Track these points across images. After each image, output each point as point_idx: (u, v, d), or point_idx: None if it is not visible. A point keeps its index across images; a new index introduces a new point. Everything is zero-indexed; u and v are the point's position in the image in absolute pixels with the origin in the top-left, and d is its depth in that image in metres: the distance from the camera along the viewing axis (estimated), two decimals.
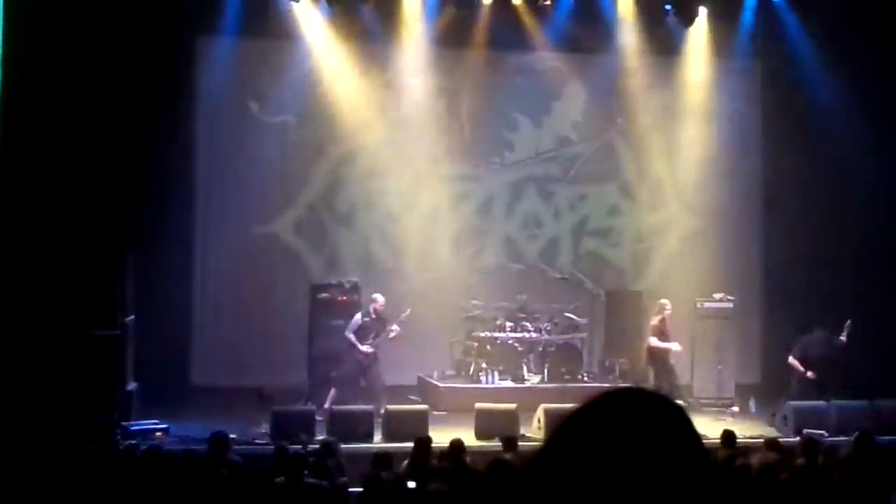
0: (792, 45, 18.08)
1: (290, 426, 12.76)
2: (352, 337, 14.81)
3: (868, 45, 17.06)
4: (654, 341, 15.71)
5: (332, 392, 14.59)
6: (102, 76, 15.44)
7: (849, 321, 15.09)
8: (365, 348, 14.77)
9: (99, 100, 15.43)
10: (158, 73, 16.16)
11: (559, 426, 1.64)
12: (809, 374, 15.06)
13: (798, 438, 11.93)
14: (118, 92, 15.62)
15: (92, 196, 15.12)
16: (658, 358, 15.77)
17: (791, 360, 15.31)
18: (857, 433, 11.04)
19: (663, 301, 16.10)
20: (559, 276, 17.92)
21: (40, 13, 14.94)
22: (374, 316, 15.04)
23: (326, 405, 14.12)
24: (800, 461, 10.01)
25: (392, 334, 14.94)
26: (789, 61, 18.08)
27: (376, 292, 15.38)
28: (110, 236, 14.77)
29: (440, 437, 11.34)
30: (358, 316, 14.91)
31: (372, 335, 14.90)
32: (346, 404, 14.08)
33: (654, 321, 15.89)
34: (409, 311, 15.24)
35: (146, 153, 16.16)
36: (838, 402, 14.38)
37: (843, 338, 15.09)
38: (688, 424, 1.62)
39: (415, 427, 12.40)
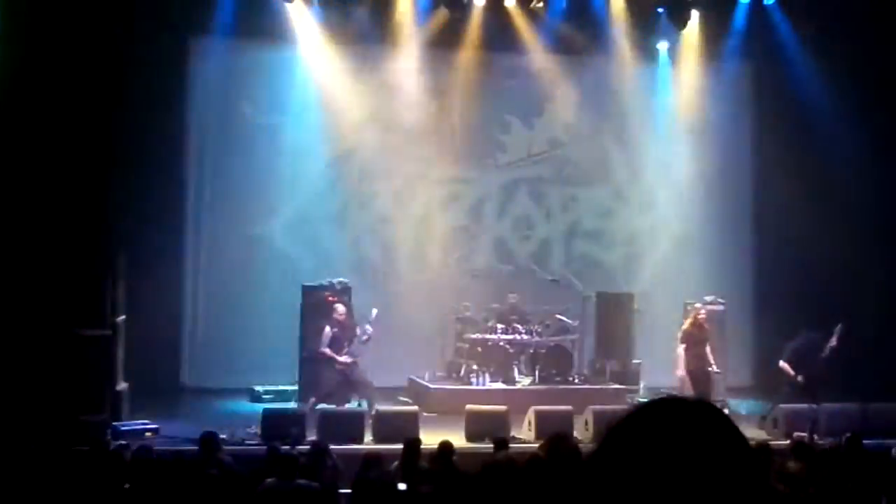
0: (784, 49, 18.14)
1: (281, 427, 12.76)
2: (328, 351, 14.72)
3: (860, 49, 17.10)
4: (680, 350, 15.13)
5: (313, 400, 14.54)
6: (94, 77, 15.42)
7: (840, 325, 15.11)
8: (343, 359, 14.71)
9: (91, 100, 15.40)
10: (151, 74, 16.15)
11: (607, 436, 1.65)
12: (799, 377, 15.08)
13: (788, 441, 11.94)
14: (110, 92, 15.59)
15: (83, 196, 15.10)
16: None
17: (782, 363, 15.32)
18: (847, 435, 11.09)
19: (697, 305, 15.71)
20: (550, 278, 17.94)
21: (32, 14, 14.92)
22: (339, 326, 14.94)
23: (307, 410, 14.06)
24: (791, 464, 10.04)
25: (365, 337, 14.87)
26: (781, 64, 18.13)
27: (336, 303, 15.27)
28: (101, 236, 14.75)
29: (430, 439, 11.35)
30: (327, 329, 14.82)
31: (346, 343, 14.86)
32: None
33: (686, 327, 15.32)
34: (376, 311, 15.17)
35: (138, 153, 16.14)
36: (828, 404, 14.40)
37: (833, 342, 15.10)
38: (734, 432, 1.63)
39: (405, 428, 12.40)
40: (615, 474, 1.58)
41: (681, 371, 14.88)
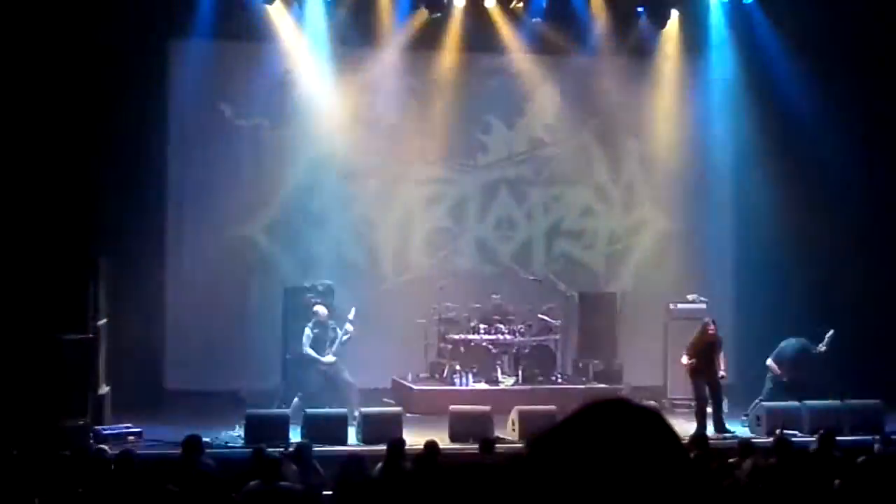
0: (763, 47, 18.22)
1: (264, 429, 12.74)
2: (310, 352, 14.74)
3: (839, 49, 17.21)
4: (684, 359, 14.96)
5: (296, 401, 14.53)
6: (74, 79, 15.40)
7: (832, 331, 15.14)
8: (326, 359, 14.72)
9: (70, 103, 15.39)
10: (130, 77, 16.12)
11: (538, 438, 1.64)
12: (786, 378, 15.14)
13: (771, 439, 11.98)
14: (90, 95, 15.58)
15: (63, 199, 15.06)
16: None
17: (769, 361, 15.38)
18: (821, 432, 11.20)
19: (706, 319, 15.19)
20: (532, 278, 17.94)
21: (9, 17, 14.88)
22: (320, 327, 14.95)
23: (290, 412, 14.03)
24: (772, 460, 10.09)
25: (346, 336, 14.88)
26: (760, 62, 18.21)
27: (317, 305, 15.26)
28: (82, 239, 14.72)
29: (414, 440, 11.35)
30: (307, 330, 14.85)
31: (327, 344, 14.86)
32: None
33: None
34: (354, 309, 15.18)
35: (118, 156, 16.12)
36: (811, 402, 14.47)
37: (822, 347, 15.14)
38: (668, 433, 1.62)
39: (389, 429, 12.41)
40: (542, 480, 1.58)
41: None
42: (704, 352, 14.70)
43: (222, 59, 17.27)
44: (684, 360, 14.78)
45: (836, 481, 9.05)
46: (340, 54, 17.67)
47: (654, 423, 1.62)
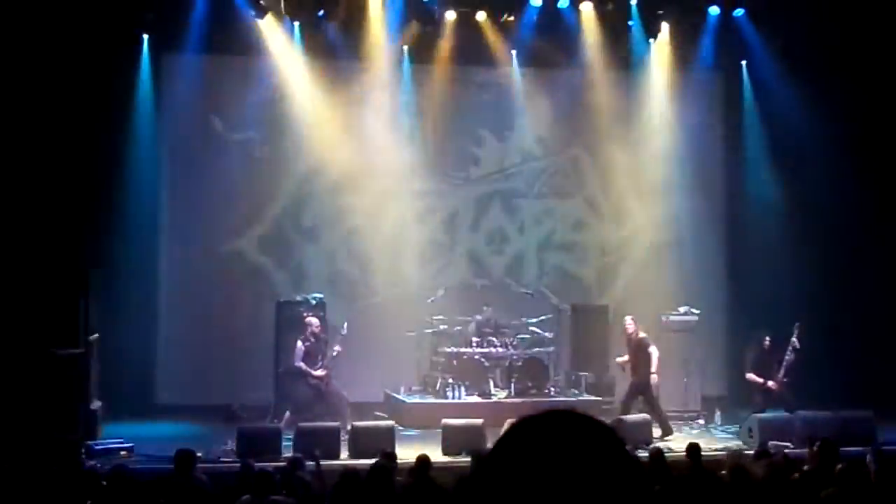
0: (753, 58, 18.37)
1: (256, 443, 12.74)
2: (302, 365, 14.78)
3: (827, 57, 17.27)
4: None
5: (287, 415, 14.56)
6: (64, 93, 15.43)
7: (798, 323, 15.21)
8: (318, 372, 14.77)
9: (60, 117, 15.41)
10: (121, 90, 16.18)
11: (491, 451, 1.68)
12: (770, 383, 15.17)
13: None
14: (80, 109, 15.61)
15: (54, 214, 15.08)
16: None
17: (748, 375, 15.41)
18: (818, 442, 11.12)
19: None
20: (524, 290, 17.98)
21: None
22: (313, 340, 15.01)
23: (282, 426, 14.06)
24: (760, 472, 10.10)
25: (335, 351, 14.93)
26: (751, 73, 18.41)
27: (309, 318, 15.32)
28: (74, 254, 14.73)
29: (406, 453, 11.35)
30: (299, 343, 14.89)
31: (319, 357, 14.90)
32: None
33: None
34: (346, 324, 15.25)
35: (110, 170, 16.16)
36: (804, 412, 14.50)
37: (794, 340, 15.19)
38: (614, 443, 1.65)
39: (381, 443, 12.41)
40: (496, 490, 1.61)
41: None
42: (631, 352, 15.29)
43: (214, 72, 17.35)
44: (618, 359, 15.54)
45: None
46: (332, 68, 17.72)
47: (592, 431, 1.66)
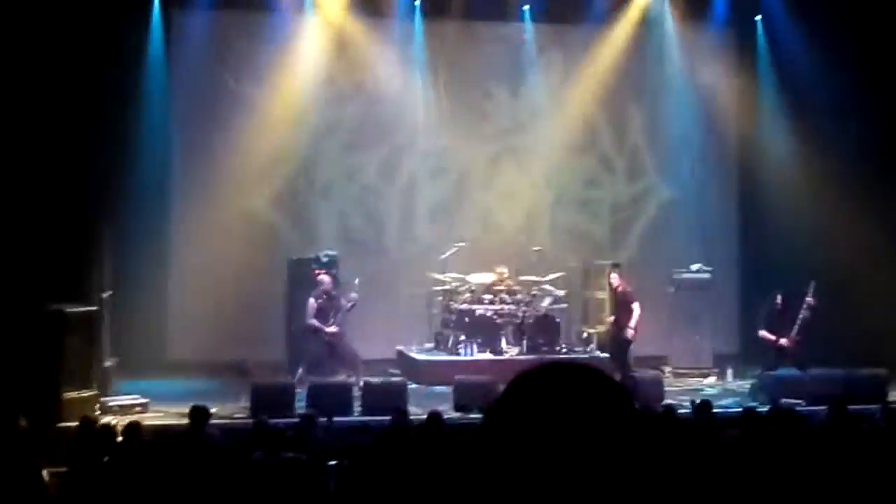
0: (769, 11, 18.24)
1: (270, 400, 12.84)
2: (314, 322, 14.89)
3: (846, 10, 17.09)
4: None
5: (300, 372, 14.67)
6: (74, 50, 15.40)
7: (813, 282, 15.21)
8: (331, 329, 14.86)
9: (72, 73, 15.39)
10: (132, 47, 16.16)
11: (491, 408, 1.67)
12: (782, 341, 15.19)
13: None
14: (92, 67, 15.58)
15: (67, 170, 15.10)
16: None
17: (760, 332, 15.43)
18: (830, 401, 11.17)
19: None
20: (536, 248, 17.97)
21: None
22: (325, 297, 15.09)
23: (295, 382, 14.17)
24: (773, 430, 10.13)
25: (350, 304, 15.02)
26: (766, 26, 18.30)
27: (322, 275, 15.38)
28: (85, 211, 14.77)
29: (419, 410, 11.44)
30: (311, 300, 14.98)
31: (332, 314, 14.98)
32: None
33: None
34: (358, 279, 15.33)
35: (122, 127, 16.16)
36: (815, 370, 14.53)
37: (809, 298, 15.20)
38: (621, 396, 1.65)
39: (393, 400, 12.50)
40: (500, 448, 1.60)
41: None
42: (617, 306, 15.51)
43: (225, 28, 17.35)
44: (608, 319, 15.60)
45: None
46: (344, 23, 17.66)
47: (599, 383, 1.65)
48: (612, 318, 15.73)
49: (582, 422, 1.58)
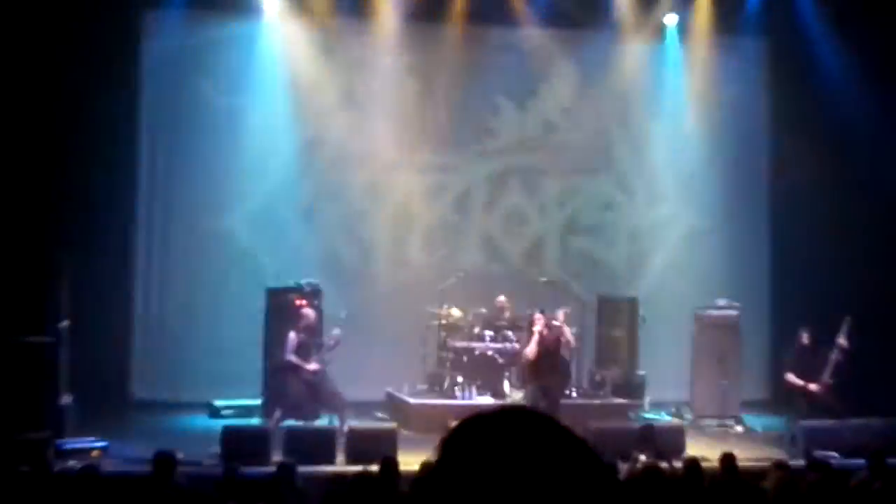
0: (802, 22, 18.41)
1: (243, 446, 12.98)
2: (294, 358, 14.91)
3: (883, 22, 17.24)
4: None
5: (278, 414, 14.77)
6: (37, 54, 15.55)
7: (847, 318, 15.35)
8: (312, 367, 14.96)
9: (33, 81, 15.54)
10: (99, 51, 16.29)
11: (436, 458, 1.72)
12: (812, 386, 15.31)
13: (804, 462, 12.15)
14: (54, 72, 15.73)
15: (23, 189, 15.23)
16: None
17: (787, 376, 15.55)
18: (869, 453, 11.28)
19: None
20: (545, 279, 18.08)
21: None
22: (307, 332, 15.14)
23: (271, 426, 14.33)
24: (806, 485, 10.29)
25: (332, 342, 15.13)
26: (799, 39, 18.40)
27: (305, 308, 15.50)
28: (43, 233, 14.87)
29: (411, 460, 11.56)
30: (292, 334, 15.01)
31: (314, 350, 15.08)
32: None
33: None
34: (345, 313, 15.40)
35: (84, 141, 16.26)
36: (852, 420, 14.63)
37: (841, 339, 15.30)
38: (579, 449, 1.67)
39: (382, 447, 12.59)
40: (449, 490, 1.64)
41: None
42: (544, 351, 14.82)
43: (202, 32, 17.52)
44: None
45: None
46: (332, 26, 17.86)
47: (552, 432, 1.67)
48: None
49: (527, 480, 1.60)
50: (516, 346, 16.84)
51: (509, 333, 16.92)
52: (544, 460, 1.62)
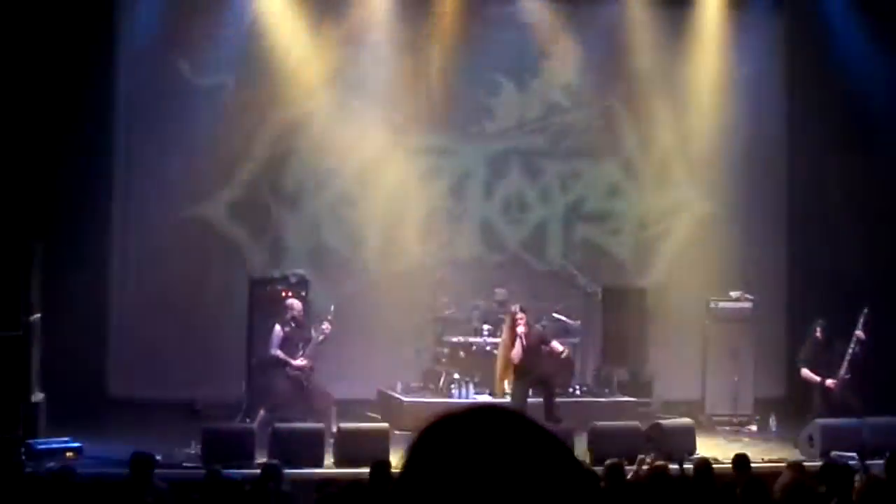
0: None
1: (225, 447, 13.05)
2: (279, 353, 14.98)
3: None
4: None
5: (262, 414, 14.83)
6: (7, 38, 15.57)
7: (865, 310, 15.40)
8: (299, 362, 15.02)
9: (2, 66, 15.55)
10: (71, 29, 16.30)
11: (404, 461, 1.74)
12: (828, 382, 15.38)
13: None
14: (25, 56, 15.74)
15: None
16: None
17: (803, 372, 15.62)
18: (888, 454, 11.36)
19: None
20: (547, 269, 18.09)
21: None
22: (293, 325, 15.28)
23: (255, 426, 14.41)
24: (822, 488, 10.37)
25: (322, 337, 15.16)
26: (817, 14, 18.45)
27: (291, 298, 15.59)
28: (13, 221, 14.90)
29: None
30: (277, 328, 15.09)
31: (301, 345, 15.14)
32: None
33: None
34: (333, 307, 15.43)
35: (56, 124, 16.28)
36: (871, 418, 14.71)
37: (858, 332, 15.35)
38: (554, 448, 1.71)
39: (373, 449, 12.66)
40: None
41: None
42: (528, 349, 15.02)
43: (180, 7, 17.51)
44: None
45: None
46: (318, 1, 17.88)
47: (525, 431, 1.71)
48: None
49: (497, 482, 1.64)
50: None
51: None
52: (515, 461, 1.65)
